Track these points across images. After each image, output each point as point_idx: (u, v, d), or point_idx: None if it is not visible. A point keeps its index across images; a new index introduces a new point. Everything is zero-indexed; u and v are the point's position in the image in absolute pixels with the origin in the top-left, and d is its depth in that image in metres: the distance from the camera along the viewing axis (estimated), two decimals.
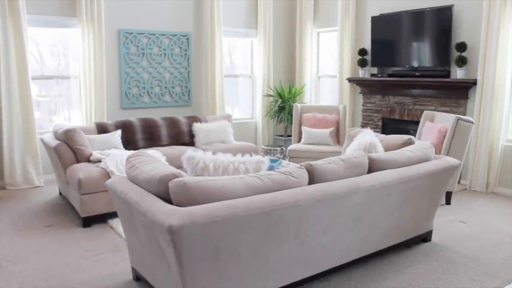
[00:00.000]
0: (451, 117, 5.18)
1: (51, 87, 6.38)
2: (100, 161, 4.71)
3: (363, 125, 7.27)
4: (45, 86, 6.34)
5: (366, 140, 3.69)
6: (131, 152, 4.98)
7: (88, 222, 4.36)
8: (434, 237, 4.10)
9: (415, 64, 6.38)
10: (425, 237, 4.00)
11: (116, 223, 4.32)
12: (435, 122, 5.55)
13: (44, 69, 6.29)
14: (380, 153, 3.45)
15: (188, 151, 2.89)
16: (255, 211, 2.41)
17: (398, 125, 6.80)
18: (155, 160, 2.92)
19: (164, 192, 2.50)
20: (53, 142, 4.85)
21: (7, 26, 5.55)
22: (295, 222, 2.66)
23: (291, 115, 7.66)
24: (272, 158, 5.05)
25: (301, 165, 2.88)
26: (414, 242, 3.93)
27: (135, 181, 2.79)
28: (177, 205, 2.39)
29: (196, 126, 6.11)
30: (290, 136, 7.86)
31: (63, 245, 3.90)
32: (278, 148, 6.35)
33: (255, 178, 2.61)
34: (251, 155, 2.88)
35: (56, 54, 6.41)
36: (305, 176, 2.83)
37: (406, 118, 6.64)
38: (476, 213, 4.86)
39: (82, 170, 4.44)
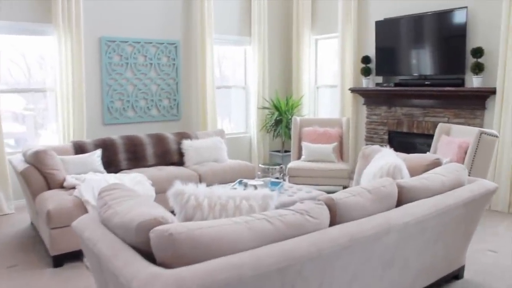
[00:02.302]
0: (472, 130, 4.63)
1: (38, 100, 5.77)
2: (75, 187, 4.07)
3: (367, 139, 6.70)
4: (33, 99, 5.74)
5: (390, 163, 3.09)
6: (112, 176, 4.36)
7: (59, 261, 3.70)
8: (467, 273, 3.51)
9: (425, 72, 5.83)
10: (457, 274, 3.40)
11: None
12: (452, 136, 4.99)
13: (22, 81, 5.65)
14: (408, 179, 2.86)
15: (176, 184, 2.26)
16: (267, 269, 1.79)
17: (406, 138, 6.24)
18: (134, 195, 2.29)
19: (144, 244, 1.88)
20: (21, 166, 4.21)
21: None
22: (316, 276, 2.05)
23: (289, 129, 7.07)
24: (272, 180, 4.44)
25: (319, 200, 2.27)
26: (445, 280, 3.33)
27: (108, 225, 2.17)
28: (161, 263, 1.77)
29: (186, 143, 5.49)
30: (288, 151, 7.28)
31: None
32: (277, 167, 5.74)
33: (263, 222, 2.00)
34: (255, 188, 2.27)
35: (31, 65, 5.78)
36: (326, 214, 2.22)
37: (415, 131, 6.08)
38: (505, 239, 4.28)
39: (53, 199, 3.79)
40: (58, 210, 3.66)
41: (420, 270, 2.88)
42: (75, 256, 3.79)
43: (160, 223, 1.87)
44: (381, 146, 4.29)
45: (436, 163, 3.34)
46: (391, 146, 6.19)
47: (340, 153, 6.11)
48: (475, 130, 4.49)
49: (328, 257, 2.05)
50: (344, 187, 5.86)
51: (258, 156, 7.45)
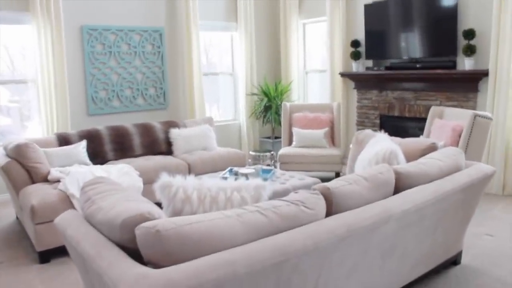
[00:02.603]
0: (466, 113, 4.55)
1: (23, 91, 5.58)
2: (59, 180, 3.92)
3: (359, 124, 6.61)
4: (17, 91, 5.56)
5: (385, 148, 2.99)
6: (98, 168, 4.23)
7: (46, 257, 3.57)
8: (464, 258, 3.44)
9: (416, 55, 5.72)
10: (455, 260, 3.34)
11: None
12: (445, 119, 4.91)
13: (5, 72, 5.46)
14: (405, 165, 2.76)
15: (163, 176, 2.14)
16: (262, 265, 1.69)
17: (398, 122, 6.15)
18: (119, 189, 2.17)
19: (129, 241, 1.76)
20: (2, 160, 4.05)
21: None
22: (313, 270, 1.95)
23: (279, 115, 6.96)
24: (264, 168, 4.33)
25: (315, 190, 2.17)
26: (443, 266, 3.26)
27: (91, 222, 2.04)
28: (148, 262, 1.65)
29: (174, 132, 5.35)
30: (278, 137, 7.17)
31: None
32: (268, 154, 5.64)
33: (256, 214, 1.89)
34: (247, 178, 2.15)
35: (14, 55, 5.56)
36: (321, 205, 2.11)
37: (407, 115, 5.99)
38: (501, 222, 4.23)
39: (36, 194, 3.65)
40: (42, 205, 3.52)
41: (419, 258, 2.80)
42: (62, 251, 3.63)
43: (147, 219, 1.75)
44: (374, 130, 4.19)
45: (433, 148, 3.24)
46: (384, 130, 6.16)
47: (332, 138, 6.01)
48: (469, 113, 4.41)
49: (325, 250, 1.94)
50: (337, 173, 5.78)
51: (248, 143, 7.33)
